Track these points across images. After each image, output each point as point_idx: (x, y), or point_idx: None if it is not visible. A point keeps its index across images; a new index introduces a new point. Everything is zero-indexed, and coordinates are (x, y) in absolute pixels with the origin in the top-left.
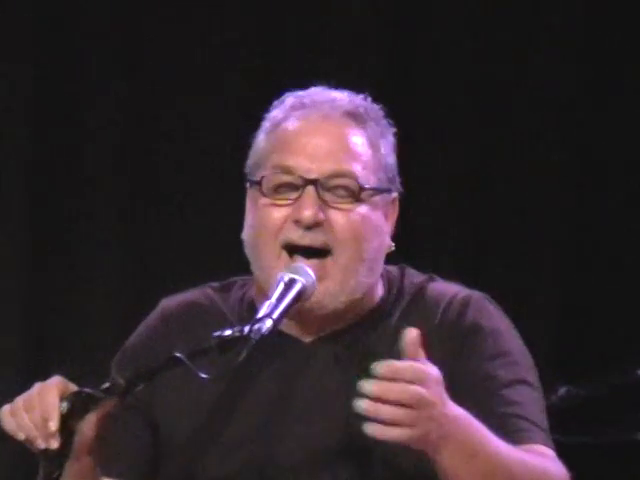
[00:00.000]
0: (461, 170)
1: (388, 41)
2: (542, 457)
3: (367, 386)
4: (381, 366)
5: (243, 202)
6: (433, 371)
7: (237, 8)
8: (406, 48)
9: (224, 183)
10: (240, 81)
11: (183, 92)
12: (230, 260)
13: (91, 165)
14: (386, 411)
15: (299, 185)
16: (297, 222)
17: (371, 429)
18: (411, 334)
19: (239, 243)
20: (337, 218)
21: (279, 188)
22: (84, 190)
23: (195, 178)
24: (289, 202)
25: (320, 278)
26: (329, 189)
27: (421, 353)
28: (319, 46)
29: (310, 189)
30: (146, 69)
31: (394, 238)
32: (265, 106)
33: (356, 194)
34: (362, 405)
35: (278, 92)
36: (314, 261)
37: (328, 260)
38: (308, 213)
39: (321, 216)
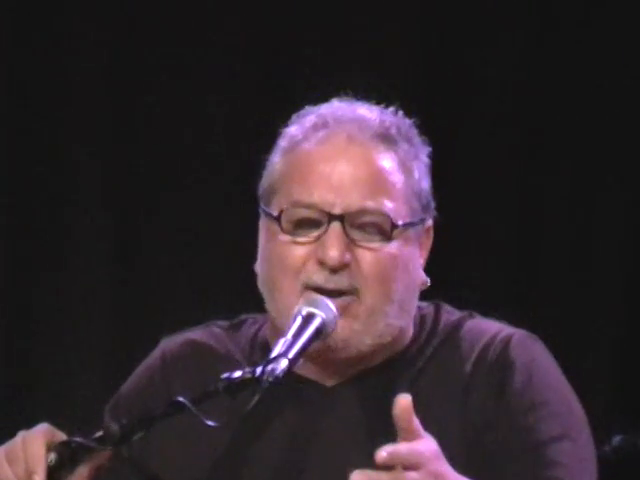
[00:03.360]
0: (510, 189)
1: (422, 45)
2: None
3: (357, 476)
4: (383, 453)
5: (250, 228)
6: (428, 448)
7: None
8: (441, 52)
9: (227, 207)
10: (253, 89)
11: (189, 104)
12: (236, 294)
13: (77, 193)
14: None
15: (323, 221)
16: (321, 263)
17: None
18: (401, 402)
19: (245, 275)
20: (365, 258)
21: (300, 223)
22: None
23: (194, 202)
24: (311, 239)
25: (344, 315)
26: (356, 226)
27: (415, 423)
28: (345, 51)
29: (336, 226)
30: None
31: (428, 267)
32: (282, 119)
33: (387, 232)
34: None
35: (296, 102)
36: (337, 300)
37: (352, 299)
38: (334, 254)
39: (348, 257)
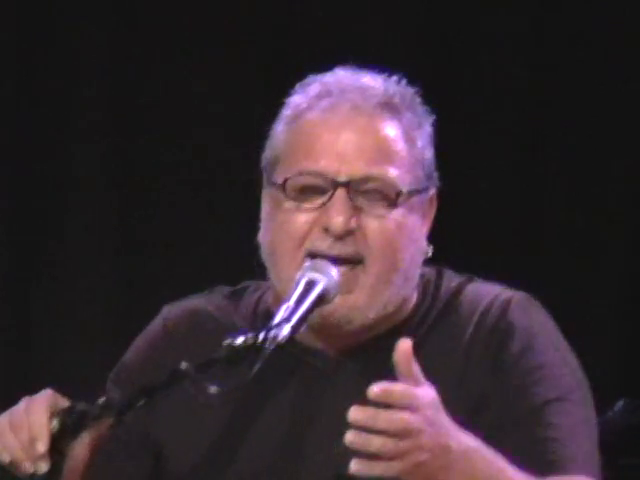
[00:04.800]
0: (508, 158)
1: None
2: None
3: (354, 414)
4: (375, 388)
5: (250, 202)
6: (426, 394)
7: None
8: (443, 23)
9: (227, 179)
10: (252, 61)
11: (184, 77)
12: (237, 264)
13: (78, 166)
14: (375, 442)
15: (328, 188)
16: (326, 230)
17: (356, 466)
18: (401, 346)
19: (247, 245)
20: (370, 225)
21: (304, 190)
22: (71, 189)
23: (193, 175)
24: (316, 206)
25: (349, 290)
26: (362, 193)
27: (414, 369)
28: (345, 19)
29: (341, 193)
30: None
31: (431, 237)
32: (279, 92)
33: (392, 199)
34: (349, 438)
35: (295, 74)
36: (342, 269)
37: (358, 269)
38: (339, 220)
39: (353, 224)
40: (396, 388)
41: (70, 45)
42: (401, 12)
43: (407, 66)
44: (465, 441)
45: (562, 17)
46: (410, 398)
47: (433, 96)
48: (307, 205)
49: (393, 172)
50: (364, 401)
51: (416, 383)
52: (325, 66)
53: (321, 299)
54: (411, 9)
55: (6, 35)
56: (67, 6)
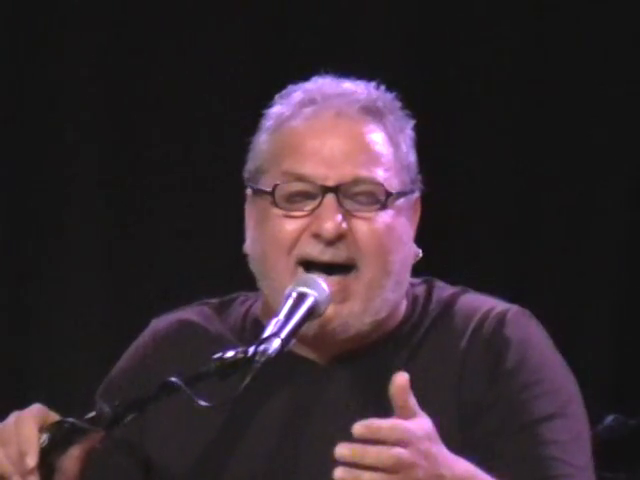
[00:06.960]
0: (504, 160)
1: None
2: None
3: (341, 450)
4: (358, 426)
5: (240, 211)
6: (420, 427)
7: None
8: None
9: (217, 192)
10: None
11: (176, 87)
12: (227, 276)
13: (77, 167)
14: (365, 478)
15: (316, 194)
16: (317, 236)
17: None
18: (398, 380)
19: (236, 258)
20: (361, 228)
21: (293, 197)
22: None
23: (184, 187)
24: (305, 213)
25: (343, 299)
26: (350, 196)
27: (410, 401)
28: (326, 28)
29: (330, 198)
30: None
31: (417, 242)
32: (263, 101)
33: (381, 201)
34: (338, 474)
35: (278, 84)
36: (336, 278)
37: (351, 276)
38: (330, 226)
39: (344, 227)
40: (384, 424)
41: (68, 41)
42: (392, 11)
43: (403, 67)
44: (459, 469)
45: (561, 16)
46: (401, 432)
47: (431, 98)
48: (296, 212)
49: (381, 174)
50: (354, 411)
51: (412, 415)
52: (312, 69)
53: (311, 313)
54: (405, 7)
55: (4, 33)
56: (63, 4)
